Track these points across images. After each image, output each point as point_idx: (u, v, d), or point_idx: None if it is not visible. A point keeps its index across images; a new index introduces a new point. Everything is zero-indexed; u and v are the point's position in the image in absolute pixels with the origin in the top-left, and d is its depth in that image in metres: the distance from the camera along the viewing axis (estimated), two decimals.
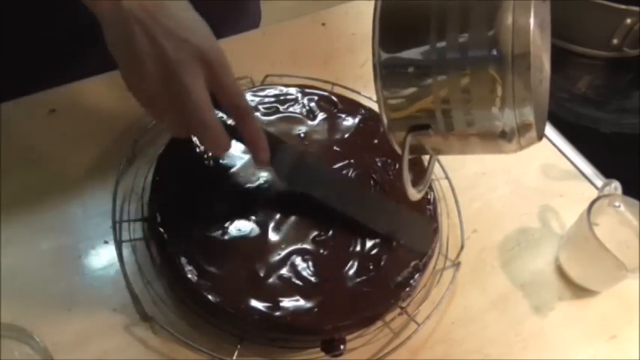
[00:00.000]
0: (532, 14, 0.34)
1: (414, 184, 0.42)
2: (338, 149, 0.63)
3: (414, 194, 0.41)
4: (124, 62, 0.47)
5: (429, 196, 0.61)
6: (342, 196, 0.57)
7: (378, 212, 0.58)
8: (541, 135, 0.39)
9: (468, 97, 0.36)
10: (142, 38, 0.45)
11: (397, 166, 0.63)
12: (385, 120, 0.39)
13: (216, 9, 0.79)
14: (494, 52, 0.35)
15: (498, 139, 0.38)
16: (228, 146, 0.51)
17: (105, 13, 0.46)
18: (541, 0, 0.37)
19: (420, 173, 0.47)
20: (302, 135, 0.63)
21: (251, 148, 0.53)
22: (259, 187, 0.58)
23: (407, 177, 0.40)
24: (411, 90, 0.37)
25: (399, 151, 0.40)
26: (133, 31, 0.45)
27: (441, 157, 0.66)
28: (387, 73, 0.37)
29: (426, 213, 0.60)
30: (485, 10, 0.35)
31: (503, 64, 0.34)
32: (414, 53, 0.37)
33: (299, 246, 0.55)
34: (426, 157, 0.49)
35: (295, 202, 0.58)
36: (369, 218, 0.57)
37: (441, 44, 0.36)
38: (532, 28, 0.34)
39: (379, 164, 0.62)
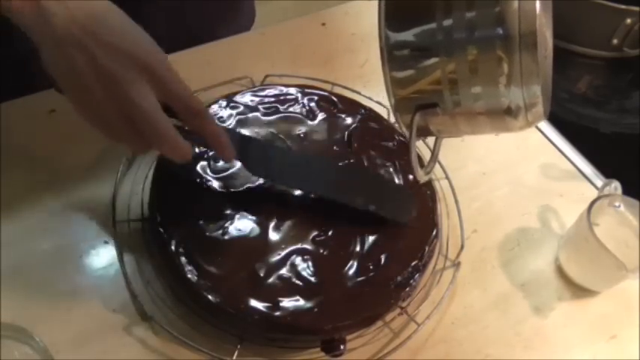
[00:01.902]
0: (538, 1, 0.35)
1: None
2: (338, 149, 0.63)
3: (422, 176, 0.42)
4: (68, 86, 0.45)
5: (428, 192, 0.61)
6: (318, 180, 0.58)
7: (358, 189, 0.58)
8: (547, 111, 0.39)
9: (475, 75, 0.36)
10: (81, 61, 0.42)
11: (397, 164, 0.63)
12: (393, 100, 0.39)
13: (210, 9, 0.79)
14: (501, 32, 0.35)
15: (505, 115, 0.38)
16: (188, 151, 0.49)
17: (38, 36, 0.43)
18: None
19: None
20: (302, 135, 0.63)
21: (214, 147, 0.53)
22: (259, 186, 0.58)
23: (415, 158, 0.40)
24: (418, 70, 0.37)
25: (407, 132, 0.40)
26: (72, 56, 0.42)
27: (442, 158, 0.66)
28: (394, 54, 0.38)
29: (429, 214, 0.60)
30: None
31: (511, 43, 0.35)
32: (420, 34, 0.37)
33: (299, 246, 0.55)
34: (426, 155, 0.49)
35: (295, 202, 0.58)
36: (349, 198, 0.57)
37: (448, 24, 0.36)
38: (539, 9, 0.34)
39: (379, 163, 0.62)
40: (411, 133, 0.39)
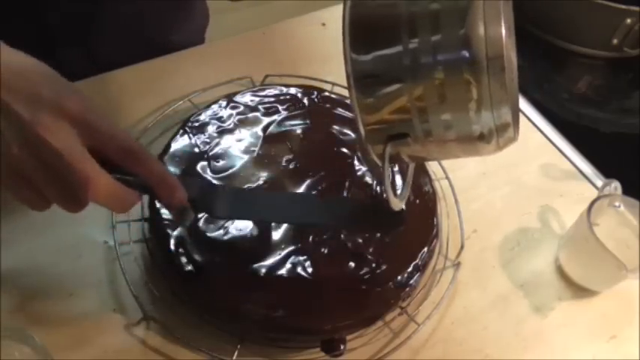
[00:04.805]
0: (502, 19, 0.34)
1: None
2: (338, 149, 0.63)
3: (397, 203, 0.42)
4: None
5: (428, 189, 0.61)
6: (294, 213, 0.53)
7: (335, 213, 0.54)
8: (517, 134, 0.39)
9: (443, 101, 0.36)
10: None
11: (397, 164, 0.63)
12: (362, 131, 0.39)
13: (162, 10, 0.76)
14: (468, 56, 0.35)
15: (477, 141, 0.38)
16: (132, 199, 0.43)
17: None
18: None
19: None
20: (302, 135, 0.63)
21: (158, 189, 0.45)
22: (259, 187, 0.58)
23: (389, 187, 0.40)
24: (387, 96, 0.37)
25: (379, 163, 0.40)
26: None
27: None
28: (362, 81, 0.37)
29: (429, 214, 0.60)
30: (455, 19, 0.35)
31: (478, 68, 0.35)
32: (386, 58, 0.36)
33: (298, 246, 0.55)
34: None
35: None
36: (329, 222, 0.55)
37: (414, 51, 0.36)
38: (505, 34, 0.34)
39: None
40: (383, 164, 0.39)
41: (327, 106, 0.66)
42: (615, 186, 0.61)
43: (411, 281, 0.55)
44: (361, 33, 0.37)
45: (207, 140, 0.61)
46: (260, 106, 0.65)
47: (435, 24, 0.35)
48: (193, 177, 0.57)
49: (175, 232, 0.54)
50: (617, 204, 0.60)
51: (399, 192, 0.61)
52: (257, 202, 0.53)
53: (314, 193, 0.58)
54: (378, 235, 0.56)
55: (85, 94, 0.41)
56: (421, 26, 0.35)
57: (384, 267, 0.55)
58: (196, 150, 0.60)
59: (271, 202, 0.54)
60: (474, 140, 0.38)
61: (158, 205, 0.55)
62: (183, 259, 0.53)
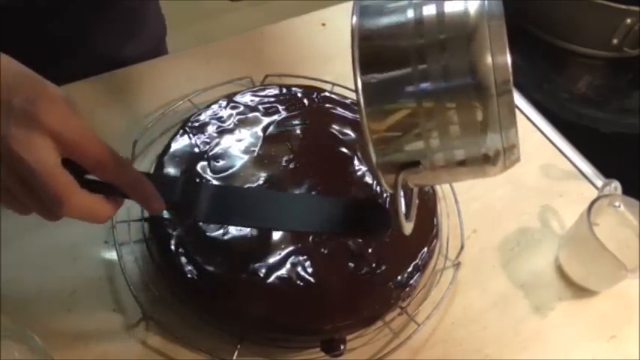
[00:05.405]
0: (507, 44, 0.36)
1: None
2: (337, 149, 0.63)
3: (409, 228, 0.42)
4: None
5: (428, 189, 0.61)
6: (283, 216, 0.49)
7: (325, 216, 0.50)
8: (519, 155, 0.41)
9: (454, 128, 0.37)
10: None
11: None
12: (374, 159, 0.39)
13: (112, 25, 0.74)
14: (477, 83, 0.36)
15: (485, 164, 0.39)
16: (108, 211, 0.43)
17: None
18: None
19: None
20: (301, 135, 0.63)
21: (136, 199, 0.44)
22: (259, 187, 0.58)
23: (402, 214, 0.40)
24: (399, 127, 0.38)
25: (391, 191, 0.41)
26: None
27: None
28: (374, 111, 0.38)
29: (429, 214, 0.60)
30: (462, 47, 0.36)
31: (487, 93, 0.36)
32: (398, 90, 0.37)
33: (298, 246, 0.55)
34: None
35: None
36: (315, 226, 0.51)
37: (424, 82, 0.36)
38: (509, 58, 0.36)
39: None
40: (396, 193, 0.39)
41: (327, 106, 0.66)
42: (615, 186, 0.61)
43: (411, 281, 0.55)
44: (371, 65, 0.37)
45: (207, 140, 0.61)
46: (260, 106, 0.65)
47: (442, 54, 0.36)
48: (177, 175, 0.56)
49: (175, 232, 0.54)
50: (617, 204, 0.60)
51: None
52: (241, 203, 0.50)
53: (312, 193, 0.58)
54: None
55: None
56: (429, 56, 0.36)
57: (384, 267, 0.55)
58: (196, 150, 0.60)
59: (257, 203, 0.50)
60: (482, 163, 0.39)
61: None
62: (183, 259, 0.53)
